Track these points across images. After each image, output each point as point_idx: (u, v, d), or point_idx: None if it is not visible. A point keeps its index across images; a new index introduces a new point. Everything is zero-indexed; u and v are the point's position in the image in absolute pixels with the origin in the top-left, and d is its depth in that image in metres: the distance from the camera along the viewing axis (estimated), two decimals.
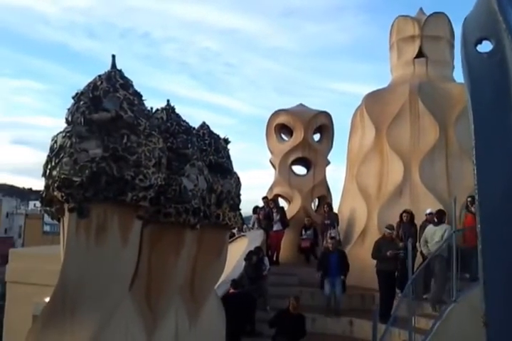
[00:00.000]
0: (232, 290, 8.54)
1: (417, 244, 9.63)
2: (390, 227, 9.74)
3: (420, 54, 13.32)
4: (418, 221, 10.26)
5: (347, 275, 10.05)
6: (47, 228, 60.26)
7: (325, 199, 14.83)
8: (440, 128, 11.91)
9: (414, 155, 11.96)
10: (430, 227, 9.37)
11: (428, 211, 10.08)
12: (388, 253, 9.20)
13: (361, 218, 12.36)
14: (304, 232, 13.26)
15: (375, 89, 13.42)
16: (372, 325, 7.97)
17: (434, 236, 9.07)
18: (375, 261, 9.57)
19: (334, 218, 12.38)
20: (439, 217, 9.29)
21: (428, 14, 13.61)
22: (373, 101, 12.93)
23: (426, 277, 8.98)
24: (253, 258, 9.73)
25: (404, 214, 10.29)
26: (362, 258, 10.99)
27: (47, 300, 3.85)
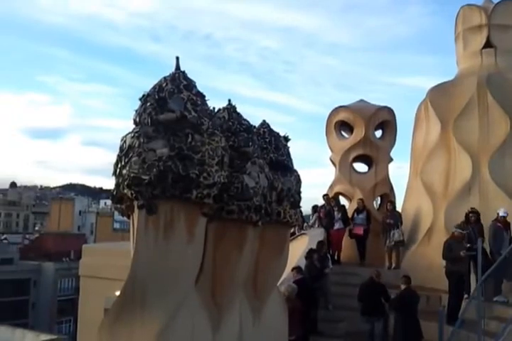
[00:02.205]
0: (299, 276, 8.56)
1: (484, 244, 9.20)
2: (461, 227, 9.34)
3: (488, 44, 12.67)
4: (488, 220, 9.77)
5: None
6: (117, 225, 63.11)
7: (387, 197, 14.48)
8: (511, 121, 11.29)
9: (484, 150, 11.40)
10: None
11: (501, 213, 9.48)
12: (462, 253, 8.84)
13: (427, 217, 11.95)
14: (355, 215, 12.70)
15: (440, 82, 12.94)
16: (438, 327, 7.73)
17: None
18: (441, 261, 9.24)
19: (398, 217, 12.05)
20: None
21: (495, 2, 12.94)
22: (439, 95, 12.45)
23: (496, 278, 8.56)
24: (314, 256, 9.66)
25: (470, 215, 9.82)
26: (428, 258, 10.64)
27: (117, 294, 4.04)
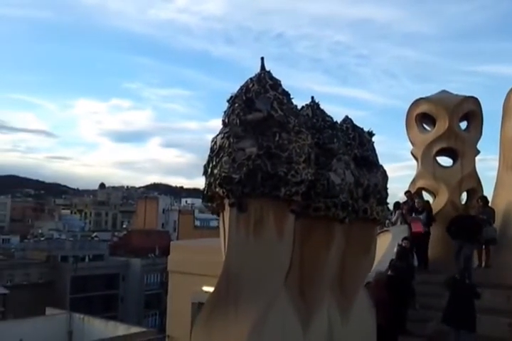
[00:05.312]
0: (390, 273, 8.36)
1: None
2: None
3: None
4: None
5: None
6: (197, 222, 65.11)
7: (475, 192, 13.68)
8: None
9: None
10: None
11: None
12: None
13: None
14: (413, 215, 11.52)
15: None
16: None
17: None
18: None
19: (490, 214, 11.33)
20: None
21: None
22: None
23: None
24: (409, 255, 9.41)
25: None
26: None
27: (204, 288, 4.17)
